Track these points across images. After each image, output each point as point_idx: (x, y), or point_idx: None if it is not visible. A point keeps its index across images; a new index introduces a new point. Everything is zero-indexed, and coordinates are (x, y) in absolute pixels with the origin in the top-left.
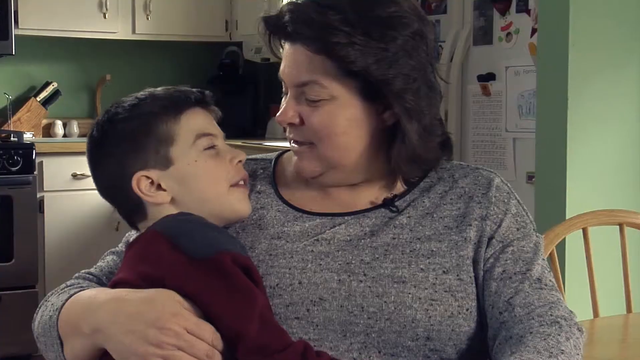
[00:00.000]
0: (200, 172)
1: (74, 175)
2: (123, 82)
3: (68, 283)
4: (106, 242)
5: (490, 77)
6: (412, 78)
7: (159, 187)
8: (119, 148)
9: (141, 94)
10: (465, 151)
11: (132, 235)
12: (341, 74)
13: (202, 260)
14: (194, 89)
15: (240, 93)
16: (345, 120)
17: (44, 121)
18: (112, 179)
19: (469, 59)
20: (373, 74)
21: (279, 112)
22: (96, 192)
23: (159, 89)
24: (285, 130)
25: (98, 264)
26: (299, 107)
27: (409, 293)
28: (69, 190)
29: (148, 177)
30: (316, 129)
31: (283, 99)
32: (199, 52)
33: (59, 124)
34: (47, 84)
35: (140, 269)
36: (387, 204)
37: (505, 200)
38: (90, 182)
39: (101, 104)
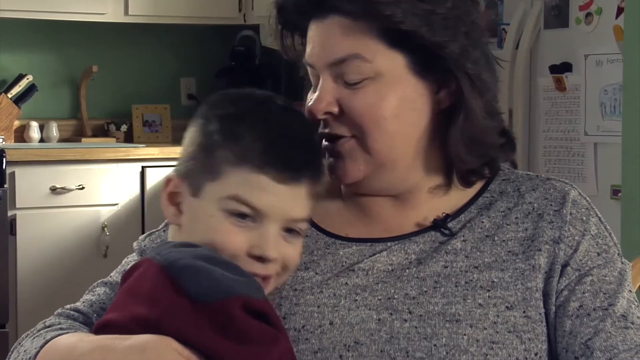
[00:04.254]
0: (207, 229)
1: (53, 189)
2: (113, 75)
3: (47, 323)
4: (92, 271)
5: (565, 67)
6: (469, 45)
7: (177, 199)
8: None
9: (265, 97)
10: (534, 159)
11: (130, 262)
12: (387, 42)
13: (207, 305)
14: (318, 158)
15: (256, 87)
16: (396, 99)
17: (17, 122)
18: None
19: (540, 46)
20: (425, 37)
21: (311, 100)
22: (80, 210)
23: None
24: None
25: (86, 298)
26: (336, 92)
27: (464, 334)
28: (47, 207)
29: (177, 185)
30: (361, 114)
31: (310, 92)
32: (206, 38)
33: (34, 126)
34: (20, 78)
35: (134, 309)
36: (438, 225)
37: (584, 219)
38: (72, 198)
39: (86, 102)
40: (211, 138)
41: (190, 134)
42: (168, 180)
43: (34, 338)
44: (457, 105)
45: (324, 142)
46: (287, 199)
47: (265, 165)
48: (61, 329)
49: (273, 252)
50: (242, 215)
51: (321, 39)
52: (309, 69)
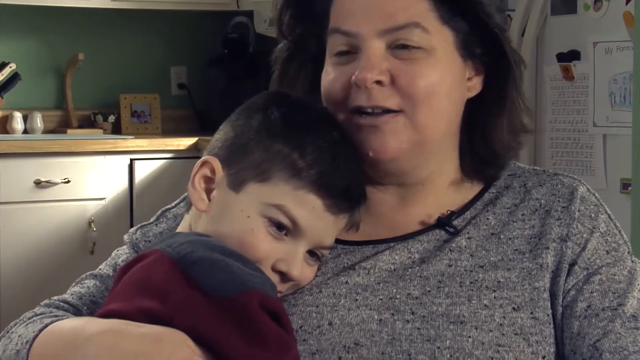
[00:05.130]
0: (239, 227)
1: (38, 183)
2: (100, 64)
3: (37, 311)
4: (78, 268)
5: (573, 56)
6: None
7: (209, 185)
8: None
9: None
10: (540, 152)
11: (121, 255)
12: (439, 17)
13: (223, 300)
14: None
15: (250, 76)
16: (450, 77)
17: None
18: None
19: (546, 33)
20: (491, 13)
21: (361, 68)
22: (65, 204)
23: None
24: (344, 101)
25: (74, 290)
26: (387, 61)
27: (469, 336)
28: (31, 201)
29: (214, 171)
30: (418, 86)
31: (329, 67)
32: (197, 25)
33: (17, 116)
34: (2, 66)
35: (142, 303)
36: (443, 223)
37: (592, 216)
38: (58, 192)
39: (72, 91)
40: (271, 137)
41: (240, 120)
42: (204, 162)
43: (27, 324)
44: (485, 95)
45: (363, 118)
46: (328, 227)
47: (323, 190)
48: (56, 316)
49: (297, 271)
50: (280, 227)
51: (375, 4)
52: (337, 38)
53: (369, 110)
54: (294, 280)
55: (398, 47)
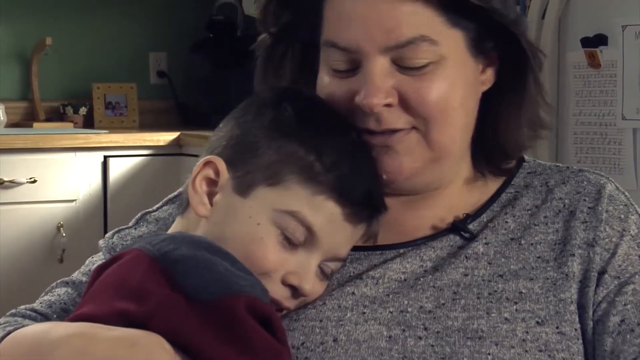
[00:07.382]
0: (246, 235)
1: (0, 183)
2: (70, 49)
3: (1, 321)
4: (47, 278)
5: (599, 40)
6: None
7: (212, 188)
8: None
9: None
10: (563, 148)
11: (96, 262)
12: (448, 20)
13: (207, 303)
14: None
15: (238, 63)
16: (464, 86)
17: None
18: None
19: (569, 15)
20: (502, 12)
21: (366, 92)
22: (32, 207)
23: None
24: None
25: (44, 298)
26: (394, 80)
27: (489, 354)
28: None
29: (217, 172)
30: (431, 104)
31: (325, 77)
32: (179, 6)
33: None
34: None
35: (117, 304)
36: (458, 227)
37: (622, 217)
38: (23, 193)
39: (38, 80)
40: (284, 137)
41: (247, 116)
42: (207, 162)
43: None
44: (499, 87)
45: (375, 138)
46: (346, 237)
47: (344, 197)
48: (22, 325)
49: (310, 285)
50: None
51: (375, 18)
52: (333, 53)
53: (379, 132)
54: (306, 295)
55: (405, 64)
